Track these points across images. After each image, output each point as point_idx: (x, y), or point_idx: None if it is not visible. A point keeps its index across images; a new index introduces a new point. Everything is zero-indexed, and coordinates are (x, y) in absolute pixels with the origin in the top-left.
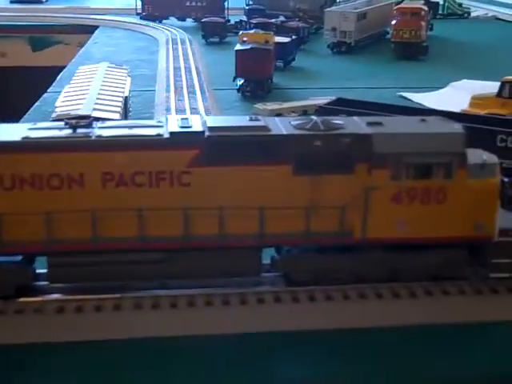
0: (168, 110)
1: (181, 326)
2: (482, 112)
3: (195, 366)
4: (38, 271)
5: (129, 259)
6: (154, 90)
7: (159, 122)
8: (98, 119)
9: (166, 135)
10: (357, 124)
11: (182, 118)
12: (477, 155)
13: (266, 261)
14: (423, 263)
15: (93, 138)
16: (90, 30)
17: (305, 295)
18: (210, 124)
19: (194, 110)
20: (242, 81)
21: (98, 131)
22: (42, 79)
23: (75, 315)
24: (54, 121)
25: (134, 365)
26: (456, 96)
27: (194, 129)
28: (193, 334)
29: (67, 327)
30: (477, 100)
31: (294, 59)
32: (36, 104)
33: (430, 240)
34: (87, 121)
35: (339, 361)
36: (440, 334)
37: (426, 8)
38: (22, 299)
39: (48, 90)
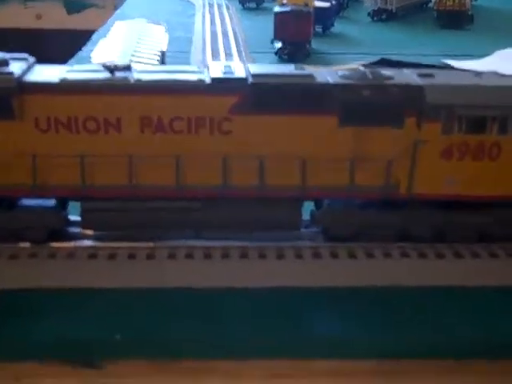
0: None
1: (214, 277)
2: None
3: (227, 318)
4: (70, 218)
5: (164, 207)
6: (190, 52)
7: (201, 67)
8: None
9: (208, 81)
10: (407, 75)
11: (225, 65)
12: None
13: (306, 217)
14: (472, 223)
15: (132, 81)
16: None
17: (344, 251)
18: (253, 71)
19: None
20: (280, 44)
21: (137, 75)
22: (76, 42)
23: (108, 262)
24: None
25: (166, 314)
26: (501, 64)
27: (236, 75)
28: (225, 286)
29: (99, 273)
30: None
31: (332, 25)
32: (70, 61)
33: (480, 198)
34: (126, 64)
35: (378, 319)
36: (484, 296)
37: None
38: (54, 244)
39: (82, 49)
